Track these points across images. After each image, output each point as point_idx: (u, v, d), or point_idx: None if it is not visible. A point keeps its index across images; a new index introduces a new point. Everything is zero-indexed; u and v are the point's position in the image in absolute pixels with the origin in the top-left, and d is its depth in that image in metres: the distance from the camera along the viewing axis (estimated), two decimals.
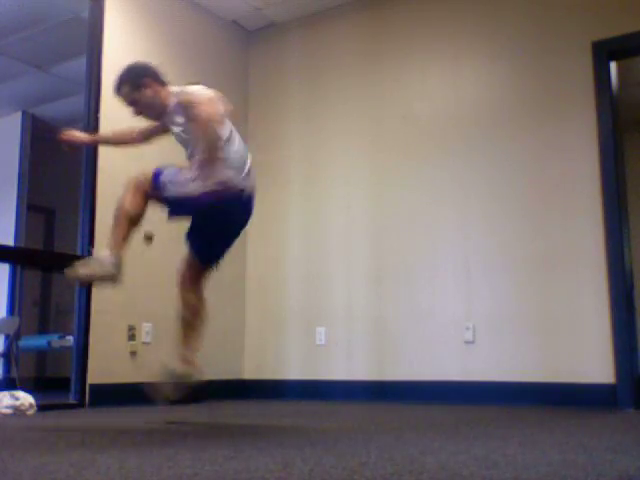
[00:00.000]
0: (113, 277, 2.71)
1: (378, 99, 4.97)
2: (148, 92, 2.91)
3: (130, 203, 2.78)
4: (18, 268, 6.53)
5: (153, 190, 2.81)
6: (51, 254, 5.56)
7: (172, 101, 2.91)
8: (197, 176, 2.74)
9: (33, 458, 1.86)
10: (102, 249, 2.79)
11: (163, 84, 2.95)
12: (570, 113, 4.22)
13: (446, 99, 4.70)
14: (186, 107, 2.81)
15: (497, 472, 1.57)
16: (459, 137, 4.60)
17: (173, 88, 2.96)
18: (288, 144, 5.34)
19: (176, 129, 2.95)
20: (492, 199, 4.42)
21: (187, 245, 3.00)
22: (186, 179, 2.77)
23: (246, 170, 2.86)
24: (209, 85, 2.92)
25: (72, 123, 6.68)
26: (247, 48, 5.66)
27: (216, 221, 2.92)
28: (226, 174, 2.76)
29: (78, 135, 3.20)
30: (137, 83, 2.91)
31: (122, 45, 4.61)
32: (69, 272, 2.68)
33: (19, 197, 6.65)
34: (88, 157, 4.33)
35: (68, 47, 5.40)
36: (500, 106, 4.49)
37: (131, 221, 2.78)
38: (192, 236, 3.00)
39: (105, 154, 4.35)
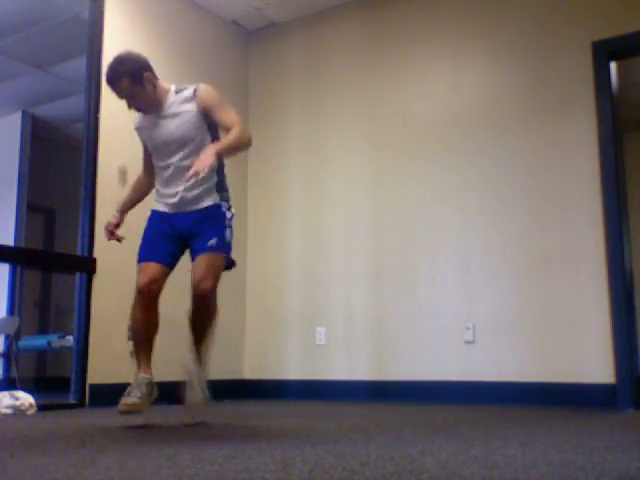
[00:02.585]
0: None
1: (378, 99, 4.97)
2: (149, 86, 2.85)
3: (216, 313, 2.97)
4: (18, 268, 6.53)
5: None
6: (51, 254, 5.56)
7: (175, 97, 2.90)
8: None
9: (33, 458, 1.86)
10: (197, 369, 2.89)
11: (157, 79, 2.91)
12: (570, 113, 4.22)
13: (446, 99, 4.70)
14: (212, 109, 2.87)
15: (497, 472, 1.57)
16: (458, 137, 4.59)
17: (164, 84, 2.95)
18: (288, 144, 5.34)
19: (169, 129, 2.89)
20: (492, 199, 4.42)
21: None
22: (229, 223, 2.93)
23: None
24: (209, 85, 2.92)
25: (72, 123, 6.74)
26: (247, 48, 5.66)
27: None
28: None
29: (112, 224, 3.10)
30: (138, 77, 2.81)
31: (122, 45, 4.58)
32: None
33: (19, 197, 6.65)
34: (88, 157, 4.33)
35: (68, 47, 5.40)
36: (500, 106, 4.49)
37: None
38: None
39: (105, 154, 4.35)
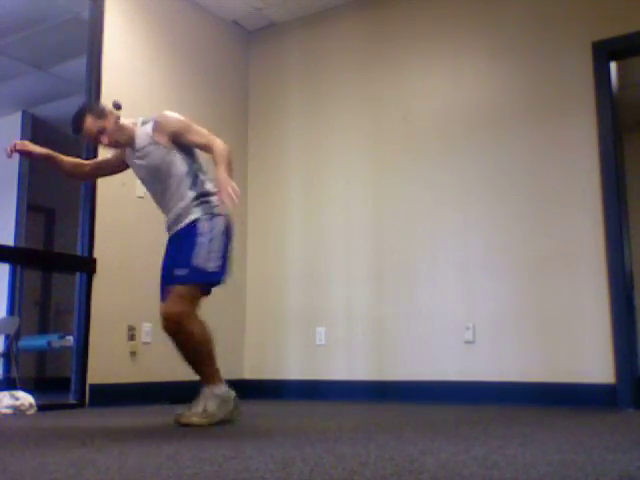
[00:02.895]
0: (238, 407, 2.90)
1: (378, 98, 4.97)
2: (112, 119, 2.91)
3: (207, 331, 2.85)
4: (18, 268, 6.53)
5: (202, 293, 2.88)
6: (51, 254, 5.56)
7: (141, 130, 2.94)
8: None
9: (33, 458, 1.86)
10: (208, 389, 2.82)
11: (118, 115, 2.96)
12: (570, 113, 4.22)
13: (446, 97, 4.70)
14: (178, 134, 2.88)
15: (497, 472, 1.57)
16: (459, 136, 4.60)
17: (127, 120, 2.98)
18: (288, 144, 5.34)
19: (145, 168, 2.96)
20: (492, 199, 4.42)
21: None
22: (211, 236, 2.83)
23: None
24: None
25: None
26: (247, 48, 5.66)
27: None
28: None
29: (32, 147, 3.06)
30: (99, 111, 2.90)
31: (122, 45, 4.61)
32: (180, 421, 2.75)
33: (19, 197, 6.65)
34: (88, 157, 4.33)
35: (68, 47, 5.40)
36: (500, 105, 4.49)
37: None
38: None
39: (105, 154, 4.35)
